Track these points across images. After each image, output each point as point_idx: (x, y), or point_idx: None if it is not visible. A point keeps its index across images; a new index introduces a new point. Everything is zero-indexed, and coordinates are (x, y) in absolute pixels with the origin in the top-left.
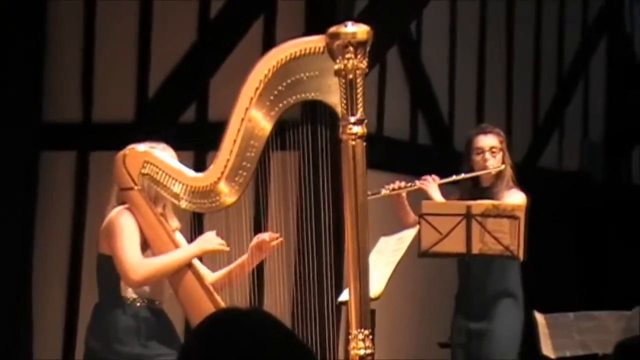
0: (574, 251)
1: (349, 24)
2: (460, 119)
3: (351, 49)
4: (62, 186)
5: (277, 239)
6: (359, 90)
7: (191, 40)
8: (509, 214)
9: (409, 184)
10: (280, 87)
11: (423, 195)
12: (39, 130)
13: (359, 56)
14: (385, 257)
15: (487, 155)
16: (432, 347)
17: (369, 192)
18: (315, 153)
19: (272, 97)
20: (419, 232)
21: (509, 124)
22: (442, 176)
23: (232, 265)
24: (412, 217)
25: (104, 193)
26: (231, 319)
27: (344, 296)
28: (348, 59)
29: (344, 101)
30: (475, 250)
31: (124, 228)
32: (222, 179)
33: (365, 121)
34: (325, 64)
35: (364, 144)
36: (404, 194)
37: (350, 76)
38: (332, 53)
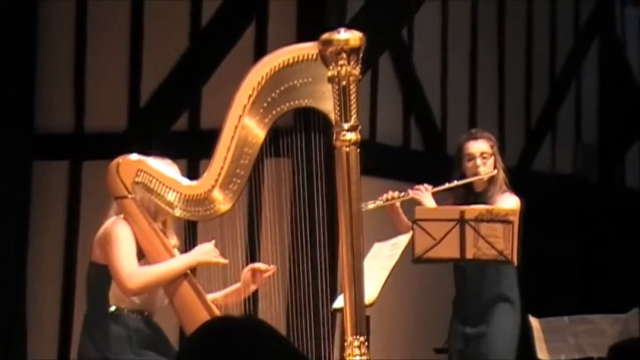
0: (571, 254)
1: (342, 30)
2: (453, 124)
3: (344, 55)
4: (55, 195)
5: (270, 270)
6: (352, 97)
7: (183, 48)
8: (502, 219)
9: (402, 194)
10: (273, 94)
11: (417, 204)
12: (32, 140)
13: (352, 63)
14: (379, 263)
15: (479, 161)
16: (428, 352)
17: (363, 205)
18: (309, 160)
19: (265, 105)
20: (413, 238)
21: (501, 127)
22: (435, 181)
23: (226, 291)
24: (407, 224)
25: (97, 202)
26: (226, 327)
27: (339, 303)
28: (341, 65)
29: (338, 108)
30: (469, 255)
31: (120, 237)
32: (216, 186)
33: (359, 127)
34: (319, 70)
35: (358, 150)
36: (397, 204)
37: (344, 83)
38: (325, 60)
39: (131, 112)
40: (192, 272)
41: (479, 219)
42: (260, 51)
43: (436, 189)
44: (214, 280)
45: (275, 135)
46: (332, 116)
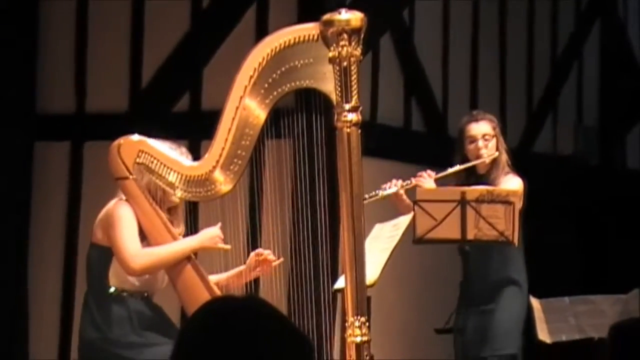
0: (573, 237)
1: (343, 11)
2: (454, 105)
3: (345, 36)
4: (57, 177)
5: (277, 261)
6: (353, 78)
7: (184, 29)
8: (503, 200)
9: (405, 182)
10: (274, 75)
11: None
12: (33, 121)
13: (353, 43)
14: (380, 243)
15: (480, 143)
16: (429, 333)
17: (367, 196)
18: (310, 141)
19: (266, 85)
20: (414, 219)
21: (502, 109)
22: (436, 162)
23: (230, 273)
24: (408, 205)
25: (99, 183)
26: (227, 307)
27: (340, 283)
28: (342, 46)
29: (339, 89)
30: (470, 236)
31: (123, 218)
32: (217, 167)
33: (360, 108)
34: (320, 51)
35: (359, 131)
36: (401, 191)
37: (345, 63)
38: (326, 40)
39: (132, 93)
40: (194, 254)
41: (480, 200)
42: (261, 32)
43: (439, 174)
44: (216, 261)
45: (276, 116)
46: (333, 97)
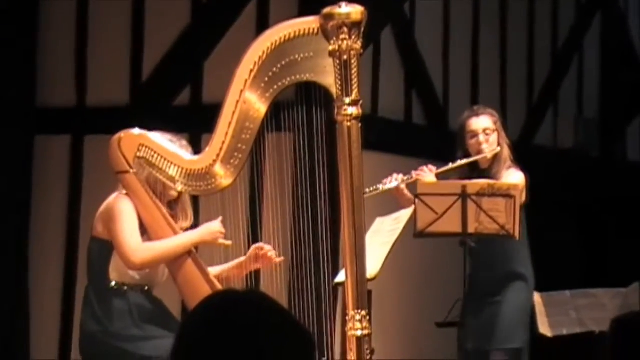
0: (573, 230)
1: (343, 4)
2: (455, 98)
3: (345, 29)
4: (57, 170)
5: (277, 260)
6: (353, 71)
7: (185, 23)
8: (504, 193)
9: (406, 177)
10: (274, 69)
11: None
12: (34, 114)
13: (353, 37)
14: (381, 237)
15: (482, 137)
16: (429, 326)
17: (367, 190)
18: (311, 134)
19: (266, 79)
20: (415, 212)
21: (503, 102)
22: (437, 156)
23: (230, 264)
24: (409, 199)
25: (99, 176)
26: (228, 301)
27: (341, 277)
28: (342, 39)
29: (339, 82)
30: (471, 229)
31: (123, 212)
32: (217, 161)
33: (361, 102)
34: (320, 45)
35: (360, 124)
36: (402, 186)
37: (345, 57)
38: (326, 34)
39: (133, 86)
40: (195, 247)
41: (480, 194)
42: (262, 26)
43: (440, 170)
44: (216, 254)
45: (276, 110)
46: (334, 90)
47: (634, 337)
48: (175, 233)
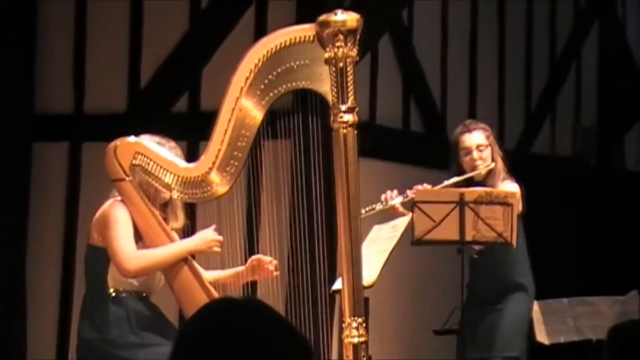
0: (571, 237)
1: (339, 12)
2: (453, 106)
3: (341, 37)
4: (55, 177)
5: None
6: (349, 79)
7: (183, 30)
8: (501, 201)
9: (402, 196)
10: (270, 76)
11: None
12: (32, 121)
13: (349, 44)
14: (378, 245)
15: (475, 154)
16: (426, 334)
17: (363, 211)
18: (307, 142)
19: (262, 86)
20: (412, 220)
21: (501, 110)
22: (435, 163)
23: (227, 272)
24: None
25: (97, 183)
26: (226, 309)
27: (337, 284)
28: (338, 47)
29: (335, 89)
30: (468, 237)
31: (118, 219)
32: (213, 169)
33: (356, 109)
34: (316, 52)
35: (356, 132)
36: (398, 205)
37: (341, 64)
38: (322, 41)
39: (131, 93)
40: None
41: (478, 201)
42: (260, 33)
43: (435, 188)
44: (212, 259)
45: (272, 117)
46: (330, 98)
47: (631, 345)
48: (171, 240)
